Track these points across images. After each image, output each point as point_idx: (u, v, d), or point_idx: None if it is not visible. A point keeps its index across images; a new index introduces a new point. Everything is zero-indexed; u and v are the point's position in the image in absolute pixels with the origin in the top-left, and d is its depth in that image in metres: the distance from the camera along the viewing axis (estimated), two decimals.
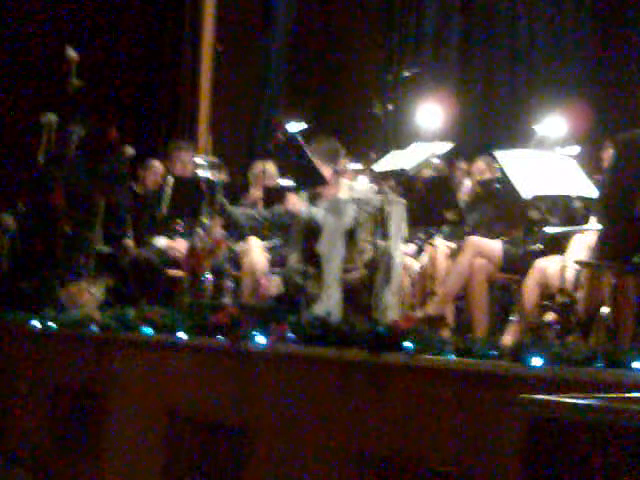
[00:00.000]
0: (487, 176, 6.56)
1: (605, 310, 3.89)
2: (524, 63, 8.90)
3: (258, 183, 6.82)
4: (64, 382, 6.42)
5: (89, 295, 6.57)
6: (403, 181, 5.60)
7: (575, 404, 1.95)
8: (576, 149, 5.46)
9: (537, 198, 4.63)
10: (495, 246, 5.33)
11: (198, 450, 4.90)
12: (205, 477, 4.83)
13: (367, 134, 7.72)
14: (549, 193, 4.68)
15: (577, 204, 5.15)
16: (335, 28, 10.71)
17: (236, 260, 6.37)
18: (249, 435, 4.57)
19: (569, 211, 5.17)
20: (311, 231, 5.23)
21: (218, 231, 6.49)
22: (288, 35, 11.00)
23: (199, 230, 6.12)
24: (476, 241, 5.35)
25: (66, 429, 6.27)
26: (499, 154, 4.88)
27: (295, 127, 5.35)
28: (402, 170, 5.59)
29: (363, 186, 6.03)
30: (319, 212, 5.31)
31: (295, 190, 5.83)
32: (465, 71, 9.40)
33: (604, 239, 3.97)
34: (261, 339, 4.57)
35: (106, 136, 8.23)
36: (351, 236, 5.01)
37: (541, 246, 4.82)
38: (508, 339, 4.42)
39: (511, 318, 4.88)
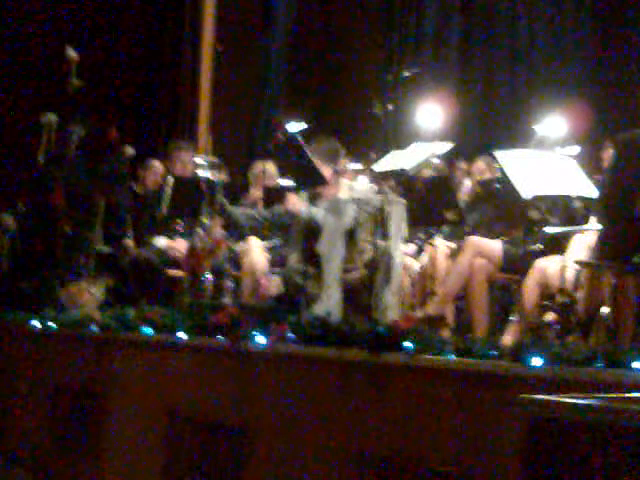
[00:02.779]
0: (487, 176, 6.56)
1: (605, 310, 3.89)
2: (524, 63, 8.90)
3: (258, 183, 6.81)
4: (64, 382, 6.42)
5: (89, 295, 6.57)
6: (403, 181, 5.59)
7: (575, 404, 1.95)
8: (576, 149, 5.45)
9: (537, 198, 4.63)
10: (495, 246, 5.33)
11: (198, 450, 4.90)
12: (205, 477, 4.83)
13: (367, 134, 7.72)
14: (549, 193, 4.68)
15: (577, 204, 5.15)
16: (335, 28, 10.71)
17: (236, 260, 6.37)
18: (249, 435, 4.57)
19: (569, 211, 5.16)
20: (311, 231, 5.23)
21: (218, 231, 6.49)
22: (288, 35, 11.00)
23: (199, 230, 6.12)
24: (476, 241, 5.35)
25: (66, 429, 6.26)
26: (499, 154, 4.88)
27: (295, 127, 5.35)
28: (402, 170, 5.59)
29: (363, 186, 6.03)
30: (319, 212, 5.31)
31: (295, 190, 5.82)
32: (465, 71, 9.40)
33: (604, 239, 3.97)
34: (261, 339, 4.57)
35: (106, 136, 8.23)
36: (351, 236, 5.01)
37: (541, 246, 4.82)
38: (508, 339, 4.42)
39: (511, 318, 4.88)
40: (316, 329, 4.33)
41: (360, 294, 4.93)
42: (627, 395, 2.18)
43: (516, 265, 5.06)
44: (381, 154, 6.04)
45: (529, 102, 8.28)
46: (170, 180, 6.47)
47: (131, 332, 5.62)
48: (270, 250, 6.36)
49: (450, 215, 5.47)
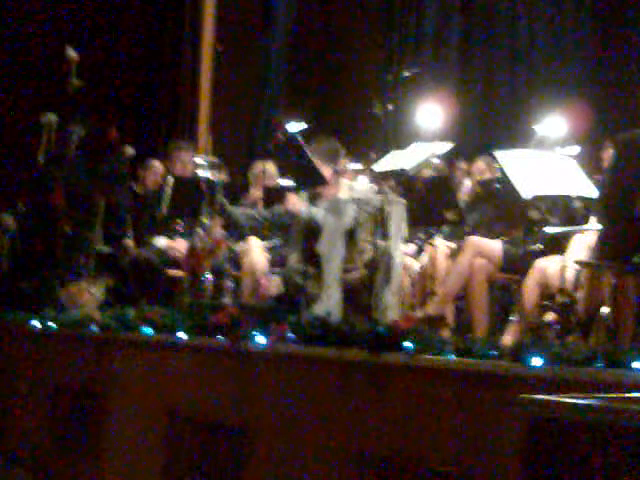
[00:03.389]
0: (487, 176, 6.56)
1: (605, 310, 3.89)
2: (524, 63, 8.90)
3: (258, 183, 6.81)
4: (64, 382, 6.42)
5: (89, 295, 6.57)
6: (403, 181, 5.59)
7: (575, 404, 1.95)
8: (576, 149, 5.45)
9: (537, 198, 4.63)
10: (495, 246, 5.33)
11: (198, 450, 4.90)
12: (205, 477, 4.83)
13: (367, 134, 7.72)
14: (549, 193, 4.68)
15: (577, 204, 5.15)
16: (335, 28, 10.71)
17: (236, 260, 6.37)
18: (249, 435, 4.57)
19: (569, 211, 5.16)
20: (311, 231, 5.23)
21: (218, 231, 6.49)
22: (288, 35, 11.00)
23: (199, 230, 6.12)
24: (476, 241, 5.35)
25: (66, 429, 6.26)
26: (499, 154, 4.88)
27: (295, 127, 5.35)
28: (402, 170, 5.59)
29: (363, 186, 6.03)
30: (319, 212, 5.31)
31: (295, 190, 5.83)
32: (465, 71, 9.40)
33: (604, 239, 3.97)
34: (261, 339, 4.57)
35: (106, 136, 8.23)
36: (351, 236, 5.01)
37: (541, 246, 4.82)
38: (508, 339, 4.42)
39: (511, 318, 4.88)
40: (316, 329, 4.33)
41: (360, 294, 4.93)
42: (627, 395, 2.18)
43: (516, 265, 5.06)
44: (381, 154, 6.04)
45: (529, 102, 8.28)
46: (170, 180, 6.47)
47: (131, 332, 5.62)
48: (270, 250, 6.36)
49: (450, 215, 5.47)
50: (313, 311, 4.80)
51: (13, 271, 7.92)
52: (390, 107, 6.16)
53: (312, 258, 5.10)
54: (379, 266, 4.87)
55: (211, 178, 6.22)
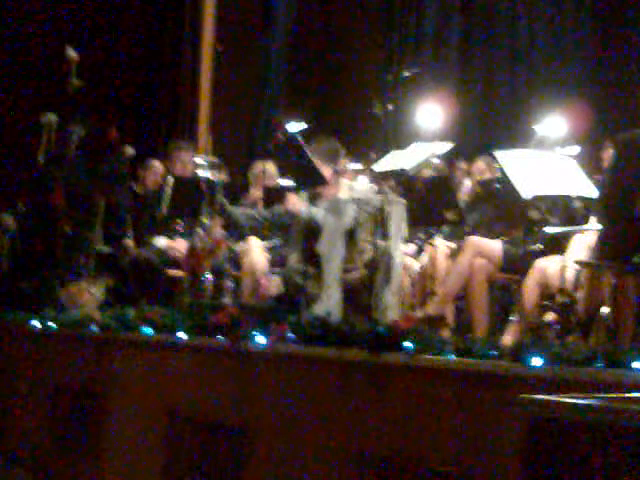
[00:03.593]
0: (487, 176, 6.56)
1: (605, 310, 3.89)
2: (524, 63, 8.90)
3: (258, 183, 6.82)
4: (64, 382, 6.42)
5: (89, 295, 6.57)
6: (403, 181, 5.60)
7: (575, 404, 1.95)
8: (576, 149, 5.46)
9: (537, 198, 4.63)
10: (495, 246, 5.33)
11: (198, 450, 4.90)
12: (205, 477, 4.83)
13: (367, 134, 7.72)
14: (549, 193, 4.68)
15: (577, 204, 5.16)
16: (335, 28, 10.71)
17: (236, 260, 6.37)
18: (249, 435, 4.57)
19: (569, 211, 5.17)
20: (311, 231, 5.23)
21: (218, 231, 6.49)
22: (288, 35, 11.00)
23: (199, 230, 6.12)
24: (476, 241, 5.35)
25: (66, 429, 6.27)
26: (499, 154, 4.88)
27: (295, 127, 5.35)
28: (402, 170, 5.60)
29: (363, 186, 6.03)
30: (319, 212, 5.31)
31: (295, 190, 5.83)
32: (465, 71, 9.40)
33: (604, 239, 3.97)
34: (261, 339, 4.57)
35: (106, 136, 8.23)
36: (351, 236, 5.01)
37: (541, 246, 4.82)
38: (508, 339, 4.42)
39: (511, 318, 4.88)
40: (316, 329, 4.33)
41: (360, 294, 4.93)
42: (627, 395, 2.18)
43: (516, 265, 5.06)
44: (381, 154, 6.04)
45: (529, 102, 8.29)
46: (170, 180, 6.47)
47: (131, 332, 5.62)
48: (270, 250, 6.36)
49: (450, 215, 5.47)
50: (313, 311, 4.80)
51: (13, 271, 7.92)
52: (390, 107, 6.16)
53: (312, 258, 5.10)
54: (379, 266, 4.87)
55: (211, 178, 6.22)
